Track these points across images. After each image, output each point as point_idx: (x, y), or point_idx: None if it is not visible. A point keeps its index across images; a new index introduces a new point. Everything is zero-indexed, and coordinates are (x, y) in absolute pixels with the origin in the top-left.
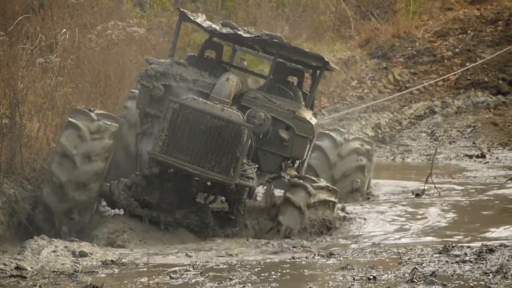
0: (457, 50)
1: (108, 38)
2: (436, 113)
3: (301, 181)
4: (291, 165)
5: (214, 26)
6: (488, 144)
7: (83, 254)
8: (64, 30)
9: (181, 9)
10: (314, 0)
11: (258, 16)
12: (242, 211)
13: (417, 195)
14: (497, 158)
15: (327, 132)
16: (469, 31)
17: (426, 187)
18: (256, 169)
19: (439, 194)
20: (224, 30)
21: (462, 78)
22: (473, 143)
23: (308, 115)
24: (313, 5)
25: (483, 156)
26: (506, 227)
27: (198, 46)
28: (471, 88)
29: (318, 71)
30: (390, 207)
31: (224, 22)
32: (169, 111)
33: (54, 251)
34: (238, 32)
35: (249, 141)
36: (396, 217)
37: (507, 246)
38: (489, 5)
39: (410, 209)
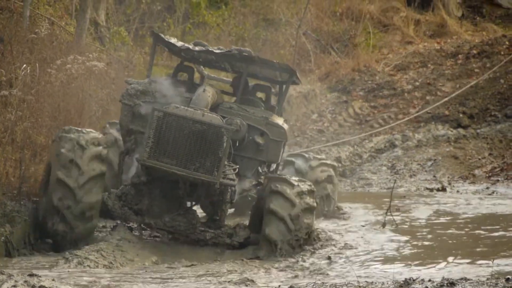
0: (417, 83)
1: (68, 72)
2: (397, 147)
3: (279, 187)
4: (266, 169)
5: (187, 45)
6: (448, 177)
7: None
8: (24, 65)
9: (155, 32)
10: (273, 34)
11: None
12: (225, 212)
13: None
14: (457, 191)
15: (291, 159)
16: (429, 65)
17: (388, 218)
18: (236, 170)
19: (397, 225)
20: (197, 48)
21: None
22: (434, 176)
23: (280, 121)
24: (273, 39)
25: (443, 189)
26: (468, 260)
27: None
28: (432, 121)
29: (285, 85)
30: (354, 235)
31: (196, 41)
32: (154, 119)
33: (14, 286)
34: (209, 49)
35: (229, 144)
36: (358, 247)
37: (468, 280)
38: (449, 39)
39: (372, 239)
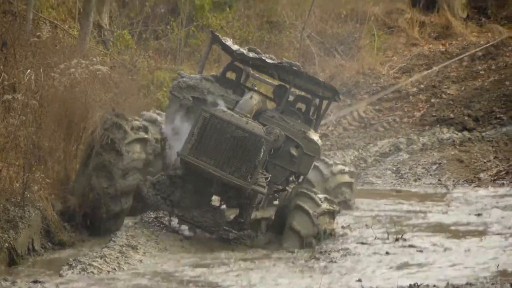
0: (422, 86)
1: (72, 76)
2: (401, 150)
3: (308, 191)
4: (295, 180)
5: (241, 50)
6: (453, 181)
7: None
8: (28, 70)
9: (213, 32)
10: (278, 36)
11: (222, 53)
12: (250, 215)
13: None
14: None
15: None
16: (434, 67)
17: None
18: (268, 179)
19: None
20: (251, 54)
21: (427, 115)
22: (439, 180)
23: (316, 136)
24: (277, 41)
25: (448, 192)
26: (473, 265)
27: (161, 83)
28: (437, 124)
29: (327, 100)
30: (360, 241)
31: (250, 47)
32: (200, 118)
33: None
34: (262, 57)
35: (267, 153)
36: (362, 253)
37: (473, 284)
38: (454, 41)
39: (376, 245)
